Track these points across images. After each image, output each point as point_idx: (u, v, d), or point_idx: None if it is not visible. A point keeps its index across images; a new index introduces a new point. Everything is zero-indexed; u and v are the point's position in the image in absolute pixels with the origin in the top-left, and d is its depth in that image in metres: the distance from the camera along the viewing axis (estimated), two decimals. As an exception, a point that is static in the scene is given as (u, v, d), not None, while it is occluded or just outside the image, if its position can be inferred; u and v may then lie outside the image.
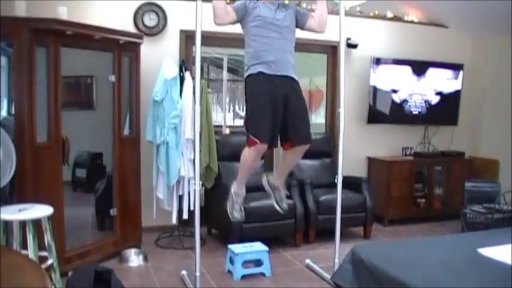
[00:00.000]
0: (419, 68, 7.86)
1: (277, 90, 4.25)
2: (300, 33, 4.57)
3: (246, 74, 4.38)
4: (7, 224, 4.20)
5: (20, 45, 4.72)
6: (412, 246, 4.22)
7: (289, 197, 4.81)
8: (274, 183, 4.62)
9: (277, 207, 4.62)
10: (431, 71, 7.91)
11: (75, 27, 5.00)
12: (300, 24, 4.53)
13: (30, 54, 4.73)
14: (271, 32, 4.27)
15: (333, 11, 6.03)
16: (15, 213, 4.11)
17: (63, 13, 5.32)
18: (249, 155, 4.32)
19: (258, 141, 4.18)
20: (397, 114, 7.84)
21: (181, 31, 6.73)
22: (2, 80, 5.09)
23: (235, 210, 4.57)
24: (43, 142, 4.89)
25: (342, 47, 4.72)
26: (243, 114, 10.40)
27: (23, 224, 4.15)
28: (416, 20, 8.05)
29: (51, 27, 4.82)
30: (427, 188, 7.77)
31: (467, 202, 7.03)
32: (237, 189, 4.55)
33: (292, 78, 4.39)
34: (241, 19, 4.32)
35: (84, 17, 5.60)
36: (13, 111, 4.90)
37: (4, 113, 5.30)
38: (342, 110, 4.65)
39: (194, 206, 4.40)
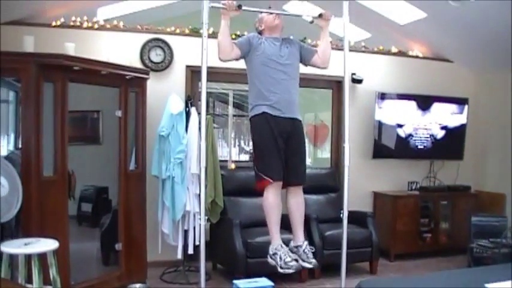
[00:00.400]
0: (424, 102, 7.88)
1: (280, 129, 4.27)
2: (304, 69, 4.61)
3: (250, 114, 4.40)
4: (12, 258, 4.19)
5: (28, 80, 4.77)
6: (418, 282, 4.19)
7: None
8: (295, 244, 4.46)
9: (306, 265, 4.43)
10: (436, 106, 7.93)
11: (82, 63, 5.06)
12: (305, 60, 4.57)
13: (38, 89, 4.78)
14: (276, 70, 4.30)
15: (338, 46, 6.09)
16: (20, 247, 4.11)
17: (70, 49, 5.38)
18: (270, 197, 4.28)
19: (270, 180, 4.20)
20: (402, 148, 7.84)
21: (187, 67, 6.80)
22: (9, 114, 5.14)
23: (287, 265, 4.27)
24: (49, 176, 4.91)
25: (347, 83, 4.73)
26: (248, 149, 10.43)
27: (28, 258, 4.14)
28: (420, 55, 8.10)
29: (58, 63, 4.87)
30: (433, 222, 7.73)
31: (473, 237, 6.98)
32: (276, 246, 4.31)
33: (296, 119, 4.41)
34: (245, 55, 4.36)
35: (91, 53, 5.67)
36: (20, 145, 4.93)
37: (11, 147, 5.33)
38: (346, 145, 4.64)
39: (199, 241, 4.37)
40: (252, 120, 4.40)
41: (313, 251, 4.42)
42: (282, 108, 4.29)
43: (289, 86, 4.35)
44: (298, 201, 4.50)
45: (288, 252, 4.30)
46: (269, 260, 4.32)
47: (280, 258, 4.24)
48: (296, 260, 4.30)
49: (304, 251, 4.37)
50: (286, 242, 4.39)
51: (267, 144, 4.30)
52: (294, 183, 4.42)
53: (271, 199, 4.29)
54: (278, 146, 4.27)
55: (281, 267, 4.23)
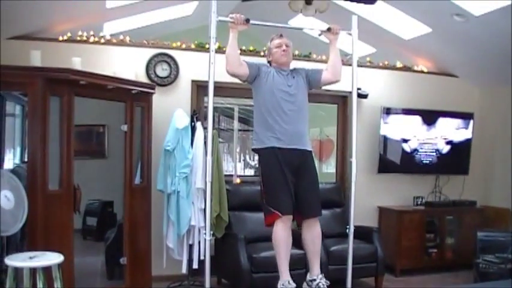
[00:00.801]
0: (429, 117, 7.88)
1: (289, 162, 4.25)
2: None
3: (257, 145, 4.39)
4: (17, 271, 4.20)
5: (34, 94, 4.80)
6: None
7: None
8: (310, 277, 4.44)
9: None
10: (441, 121, 7.93)
11: (88, 77, 5.10)
12: (315, 82, 4.55)
13: (44, 103, 4.81)
14: (284, 101, 4.29)
15: (344, 62, 6.10)
16: (25, 260, 4.11)
17: (77, 63, 5.43)
18: (279, 232, 4.23)
19: (279, 214, 4.17)
20: (407, 163, 7.82)
21: (193, 81, 6.81)
22: (16, 127, 5.16)
23: None
24: (55, 190, 4.92)
25: (354, 97, 4.73)
26: (253, 163, 10.43)
27: (33, 271, 4.15)
28: (425, 70, 8.11)
29: (65, 77, 4.91)
30: (439, 237, 7.70)
31: (479, 252, 6.94)
32: (284, 282, 4.26)
33: (305, 150, 4.39)
34: (252, 78, 4.36)
35: (98, 67, 5.70)
36: (26, 159, 4.95)
37: (17, 160, 5.35)
38: (353, 160, 4.64)
39: (204, 256, 4.36)
40: (260, 155, 4.39)
41: (328, 284, 4.38)
42: (290, 140, 4.28)
43: (297, 117, 4.34)
44: (313, 235, 4.44)
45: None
46: None
47: None
48: None
49: (318, 285, 4.34)
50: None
51: (275, 178, 4.26)
52: (309, 216, 4.39)
53: (280, 234, 4.24)
54: (287, 179, 4.24)
55: None
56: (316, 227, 4.45)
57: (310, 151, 4.47)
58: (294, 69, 4.55)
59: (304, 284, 4.44)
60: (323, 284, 4.33)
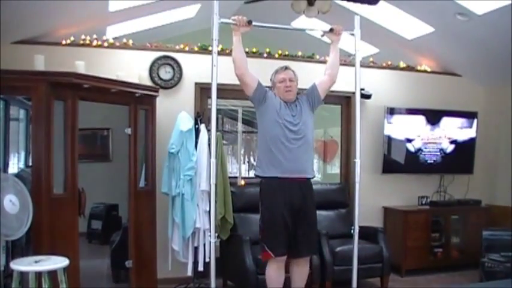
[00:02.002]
0: (433, 116, 7.87)
1: (290, 198, 4.36)
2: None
3: (260, 173, 4.51)
4: (23, 275, 4.20)
5: (38, 99, 4.81)
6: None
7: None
8: None
9: None
10: (445, 120, 7.92)
11: (92, 81, 5.11)
12: (317, 101, 4.66)
13: (48, 107, 4.82)
14: (289, 132, 4.38)
15: (346, 62, 6.10)
16: (31, 264, 4.12)
17: (80, 67, 5.43)
18: (272, 272, 4.41)
19: (272, 255, 4.34)
20: (412, 163, 7.81)
21: (196, 84, 6.82)
22: (20, 132, 5.18)
23: None
24: (59, 194, 4.93)
25: (358, 97, 4.75)
26: (255, 165, 10.42)
27: (38, 275, 4.15)
28: (429, 69, 8.10)
29: (68, 81, 4.92)
30: (444, 237, 7.69)
31: (485, 251, 6.92)
32: None
33: (307, 180, 4.50)
34: (257, 96, 4.44)
35: (101, 71, 5.70)
36: (30, 163, 4.96)
37: (22, 164, 5.36)
38: (357, 160, 4.65)
39: (210, 258, 4.38)
40: (262, 184, 4.51)
41: None
42: (292, 170, 4.39)
43: (300, 146, 4.42)
44: (302, 272, 4.62)
45: None
46: None
47: None
48: None
49: None
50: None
51: (274, 217, 4.39)
52: (303, 255, 4.53)
53: (272, 274, 4.43)
54: (286, 221, 4.35)
55: None
56: (306, 266, 4.64)
57: (311, 178, 4.58)
58: (296, 98, 4.61)
59: None
60: None
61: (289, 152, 4.36)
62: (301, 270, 4.61)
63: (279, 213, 4.35)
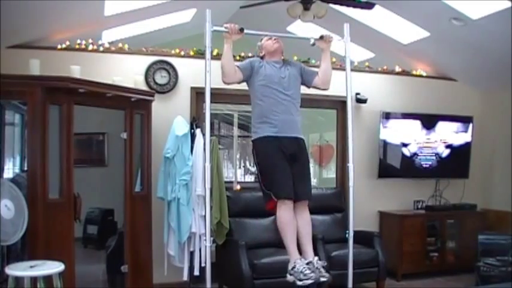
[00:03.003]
0: (429, 121, 7.88)
1: (285, 149, 4.33)
2: (309, 90, 4.66)
3: (253, 136, 4.47)
4: (18, 281, 4.19)
5: (34, 103, 4.81)
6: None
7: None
8: (306, 261, 4.34)
9: (321, 279, 4.30)
10: (440, 124, 7.93)
11: (87, 86, 5.10)
12: (306, 82, 4.63)
13: (44, 111, 4.82)
14: (278, 92, 4.36)
15: (342, 67, 6.11)
16: (26, 269, 4.11)
17: (76, 71, 5.43)
18: (284, 215, 4.30)
19: (282, 199, 4.25)
20: (407, 167, 7.83)
21: (192, 88, 6.82)
22: (15, 136, 5.17)
23: (306, 276, 4.20)
24: (55, 199, 4.92)
25: (349, 103, 4.75)
26: (253, 169, 10.42)
27: (34, 280, 4.14)
28: (424, 74, 8.12)
29: (64, 86, 4.92)
30: (440, 241, 7.69)
31: (480, 255, 6.95)
32: (295, 260, 4.28)
33: (299, 138, 4.47)
34: (247, 78, 4.42)
35: (97, 75, 5.70)
36: (26, 168, 4.96)
37: (17, 169, 5.35)
38: (351, 165, 4.65)
39: (205, 263, 4.36)
40: (256, 143, 4.45)
41: (324, 264, 4.40)
42: (285, 128, 4.36)
43: (290, 107, 4.41)
44: (304, 218, 4.49)
45: (307, 265, 4.23)
46: (288, 277, 4.28)
47: (301, 271, 4.19)
48: (314, 272, 4.22)
49: (316, 266, 4.31)
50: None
51: (274, 164, 4.33)
52: (300, 199, 4.42)
53: (285, 217, 4.30)
54: (285, 165, 4.31)
55: (300, 280, 4.18)
56: (306, 212, 4.51)
57: (303, 139, 4.55)
58: (287, 60, 4.62)
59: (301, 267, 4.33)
60: (320, 265, 4.30)
61: (282, 111, 4.35)
62: (304, 217, 4.48)
63: (278, 159, 4.32)
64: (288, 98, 4.39)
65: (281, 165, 4.31)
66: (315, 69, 4.72)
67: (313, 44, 4.70)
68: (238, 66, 4.39)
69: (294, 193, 4.36)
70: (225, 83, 4.36)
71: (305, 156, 4.55)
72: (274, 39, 4.54)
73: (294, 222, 4.37)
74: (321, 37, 4.62)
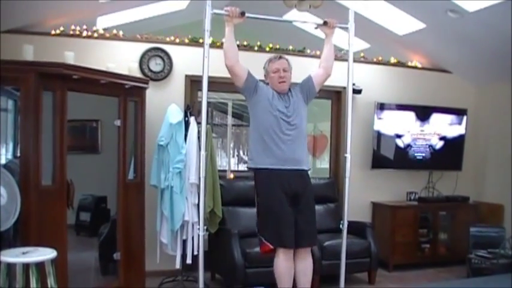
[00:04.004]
0: (423, 113, 7.89)
1: (288, 187, 4.24)
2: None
3: (253, 165, 4.38)
4: (10, 267, 4.17)
5: (27, 89, 4.77)
6: (417, 292, 4.18)
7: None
8: None
9: None
10: (435, 116, 7.94)
11: (81, 72, 5.06)
12: (311, 93, 4.60)
13: (37, 98, 4.78)
14: (283, 122, 4.30)
15: (338, 57, 6.09)
16: (18, 256, 4.09)
17: (69, 57, 5.40)
18: (282, 265, 4.22)
19: (270, 246, 4.21)
20: (401, 159, 7.84)
21: (187, 76, 6.80)
22: (8, 123, 5.14)
23: None
24: (48, 185, 4.90)
25: (350, 92, 4.74)
26: (247, 158, 10.43)
27: (26, 267, 4.13)
28: (419, 66, 8.11)
29: (58, 72, 4.87)
30: (432, 233, 7.72)
31: (472, 247, 6.98)
32: None
33: (303, 171, 4.39)
34: (248, 88, 4.36)
35: (91, 62, 5.66)
36: (18, 154, 4.93)
37: (10, 155, 5.32)
38: (348, 155, 4.64)
39: (198, 251, 4.36)
40: (257, 176, 4.36)
41: None
42: (287, 161, 4.27)
43: (294, 138, 4.33)
44: (306, 266, 4.40)
45: None
46: None
47: None
48: None
49: None
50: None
51: (274, 208, 4.23)
52: (303, 246, 4.34)
53: (283, 267, 4.23)
54: (287, 209, 4.21)
55: None
56: (309, 258, 4.42)
57: (308, 171, 4.47)
58: (290, 89, 4.53)
59: None
60: None
61: (283, 143, 4.26)
62: (305, 265, 4.38)
63: (279, 203, 4.20)
64: (292, 128, 4.33)
65: (281, 211, 4.19)
66: (308, 75, 4.69)
67: (316, 28, 4.66)
68: (247, 69, 4.34)
69: (295, 239, 4.23)
70: (227, 67, 4.27)
71: (309, 193, 4.44)
72: (280, 77, 4.43)
73: (292, 271, 4.28)
74: (325, 23, 4.57)
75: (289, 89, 4.51)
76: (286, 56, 4.65)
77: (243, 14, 4.24)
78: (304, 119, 4.48)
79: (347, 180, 4.65)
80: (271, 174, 4.25)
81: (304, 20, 6.70)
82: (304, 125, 4.49)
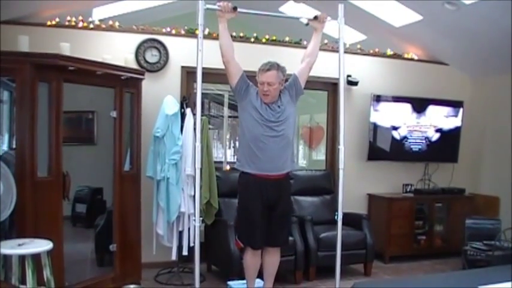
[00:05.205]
0: (419, 105, 7.89)
1: (266, 194, 4.52)
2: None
3: (239, 167, 4.64)
4: (6, 259, 4.18)
5: (23, 80, 4.75)
6: (413, 284, 4.19)
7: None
8: None
9: None
10: (431, 108, 7.94)
11: (77, 63, 5.05)
12: (299, 90, 4.71)
13: (33, 89, 4.76)
14: (269, 129, 4.45)
15: (333, 48, 6.09)
16: (14, 247, 4.09)
17: (65, 48, 5.37)
18: (249, 260, 4.75)
19: (241, 245, 4.74)
20: (397, 151, 7.84)
21: (183, 67, 6.78)
22: (3, 114, 5.12)
23: None
24: (44, 177, 4.89)
25: (342, 85, 4.74)
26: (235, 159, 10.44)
27: (22, 258, 4.13)
28: (416, 58, 8.11)
29: (53, 63, 4.85)
30: (428, 225, 7.74)
31: (467, 239, 6.99)
32: None
33: (285, 178, 4.64)
34: (240, 89, 4.50)
35: (86, 53, 5.64)
36: (14, 146, 4.92)
37: (5, 147, 5.31)
38: (341, 147, 4.65)
39: (194, 242, 4.37)
40: (241, 177, 4.66)
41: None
42: (272, 169, 4.50)
43: (279, 143, 4.49)
44: (273, 261, 4.86)
45: None
46: None
47: None
48: None
49: None
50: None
51: (248, 212, 4.60)
52: (272, 246, 4.77)
53: (249, 262, 4.75)
54: (259, 217, 4.56)
55: None
56: (276, 256, 4.87)
57: (287, 174, 4.70)
58: (279, 95, 4.63)
59: None
60: None
61: (268, 151, 4.46)
62: (271, 260, 4.83)
63: (253, 210, 4.54)
64: (278, 135, 4.49)
65: (254, 216, 4.55)
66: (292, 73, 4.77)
67: (307, 24, 4.68)
68: (243, 70, 4.49)
69: (267, 240, 4.66)
70: (225, 63, 4.39)
71: (285, 200, 4.77)
72: (264, 91, 4.49)
73: (257, 265, 4.78)
74: (315, 17, 4.59)
75: (279, 95, 4.58)
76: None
77: (235, 9, 4.28)
78: (292, 124, 4.64)
79: (341, 172, 4.66)
80: (252, 180, 4.52)
81: (300, 11, 6.69)
82: (291, 131, 4.66)
